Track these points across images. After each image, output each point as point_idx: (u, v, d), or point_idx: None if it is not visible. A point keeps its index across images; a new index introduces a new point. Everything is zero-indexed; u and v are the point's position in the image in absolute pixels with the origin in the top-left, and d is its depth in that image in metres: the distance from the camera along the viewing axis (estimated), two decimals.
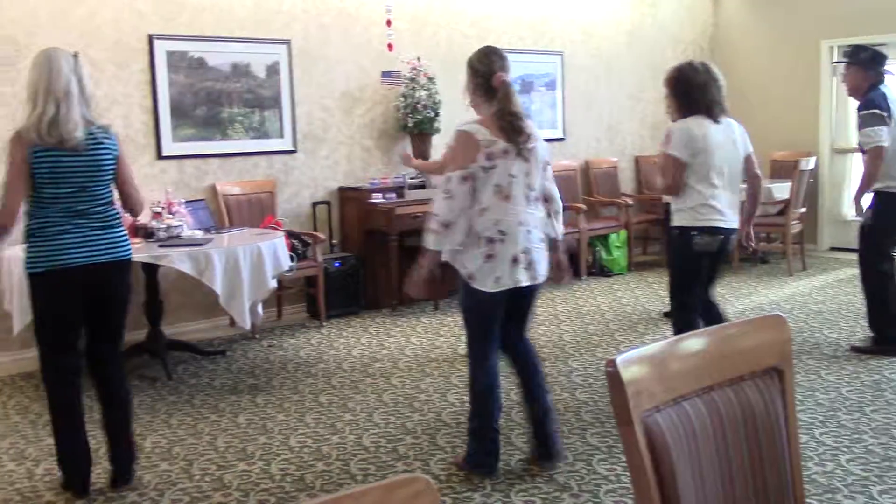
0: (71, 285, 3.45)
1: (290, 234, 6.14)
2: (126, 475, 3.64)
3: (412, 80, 7.03)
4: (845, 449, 3.86)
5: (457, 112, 7.49)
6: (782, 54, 9.16)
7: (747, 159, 4.42)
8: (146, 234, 5.23)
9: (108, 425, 3.66)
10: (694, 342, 1.56)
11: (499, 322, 3.66)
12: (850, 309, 6.51)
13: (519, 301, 3.63)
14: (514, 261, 3.51)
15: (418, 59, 7.12)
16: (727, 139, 4.30)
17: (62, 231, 3.39)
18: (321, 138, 6.89)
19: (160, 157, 6.09)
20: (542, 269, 3.65)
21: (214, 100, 6.33)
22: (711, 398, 1.54)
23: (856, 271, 7.45)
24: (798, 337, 5.74)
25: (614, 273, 8.12)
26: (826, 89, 8.96)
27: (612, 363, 1.42)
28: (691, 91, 4.29)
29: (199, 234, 5.41)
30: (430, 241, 3.51)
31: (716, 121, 4.27)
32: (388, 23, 6.84)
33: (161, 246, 4.99)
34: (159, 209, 5.37)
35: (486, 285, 3.50)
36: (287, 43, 6.63)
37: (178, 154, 6.18)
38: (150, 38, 5.98)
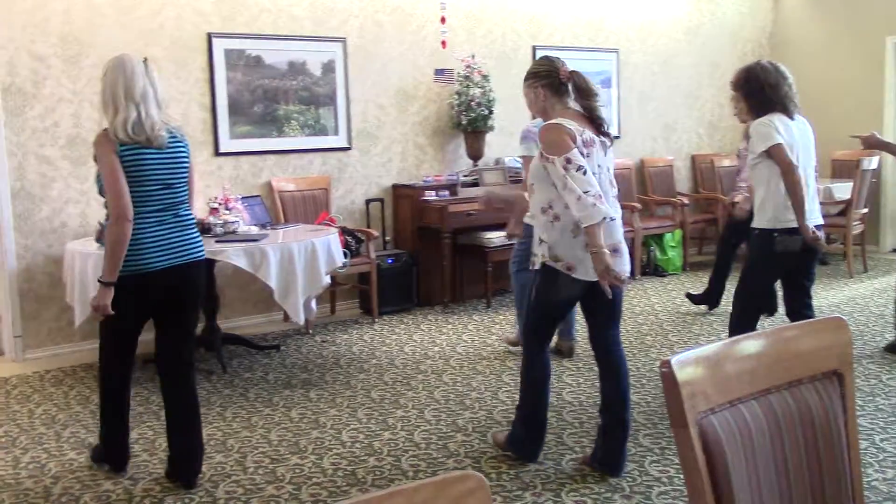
0: (150, 288, 3.50)
1: (344, 231, 6.19)
2: (188, 478, 3.65)
3: (466, 77, 7.03)
4: None
5: (510, 110, 7.50)
6: (845, 51, 8.96)
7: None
8: (203, 229, 5.31)
9: (176, 426, 3.67)
10: (750, 344, 1.53)
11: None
12: None
13: (604, 296, 3.47)
14: (615, 251, 3.46)
15: (472, 56, 7.12)
16: (803, 135, 4.24)
17: (147, 235, 3.45)
18: (375, 136, 6.93)
19: (217, 153, 6.19)
20: (628, 263, 3.62)
21: (271, 97, 6.41)
22: (768, 401, 1.51)
23: None
24: (858, 340, 5.61)
25: (669, 273, 8.03)
26: (890, 87, 8.73)
27: (666, 364, 1.40)
28: (764, 90, 4.21)
29: (254, 229, 5.48)
30: (597, 213, 3.31)
31: (791, 118, 4.20)
32: (443, 20, 6.85)
33: (217, 241, 5.07)
34: (216, 205, 5.45)
35: (588, 274, 3.45)
36: (343, 41, 6.68)
37: (234, 151, 6.27)
38: (209, 37, 6.07)
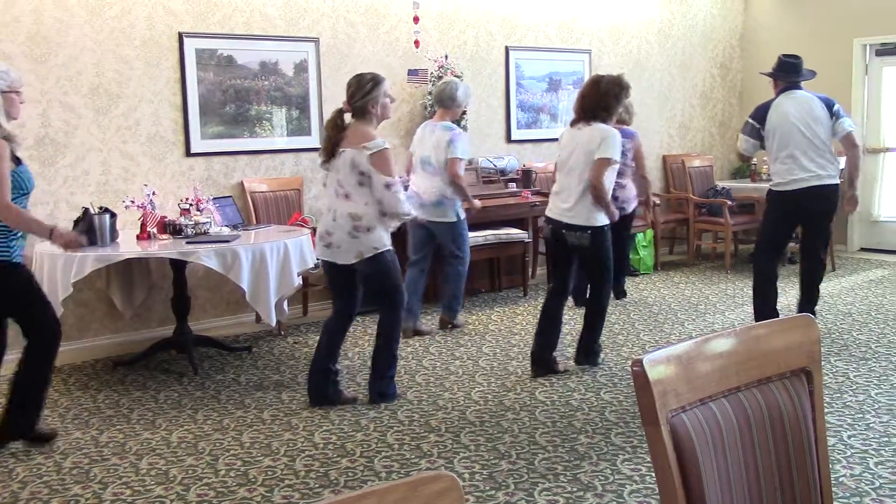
0: None
1: (317, 232, 6.16)
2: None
3: (439, 78, 7.03)
4: (874, 452, 3.82)
5: (483, 111, 7.52)
6: (814, 53, 9.01)
7: None
8: (174, 230, 5.28)
9: None
10: (721, 342, 1.55)
11: None
12: (879, 310, 6.43)
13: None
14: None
15: (445, 57, 7.13)
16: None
17: None
18: None
19: (189, 154, 6.14)
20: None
21: (243, 97, 6.37)
22: (738, 399, 1.53)
23: (886, 272, 7.36)
24: (827, 338, 5.68)
25: (641, 272, 8.08)
26: (858, 88, 8.84)
27: (638, 363, 1.41)
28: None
29: (226, 230, 5.45)
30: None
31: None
32: (416, 19, 6.84)
33: (188, 242, 5.03)
34: (187, 206, 5.41)
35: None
36: (315, 41, 6.65)
37: (206, 151, 6.22)
38: (181, 37, 6.03)
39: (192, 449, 4.05)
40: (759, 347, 1.58)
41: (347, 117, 4.53)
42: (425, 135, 5.93)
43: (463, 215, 5.99)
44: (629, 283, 7.54)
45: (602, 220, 4.92)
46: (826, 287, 7.27)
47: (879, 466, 3.66)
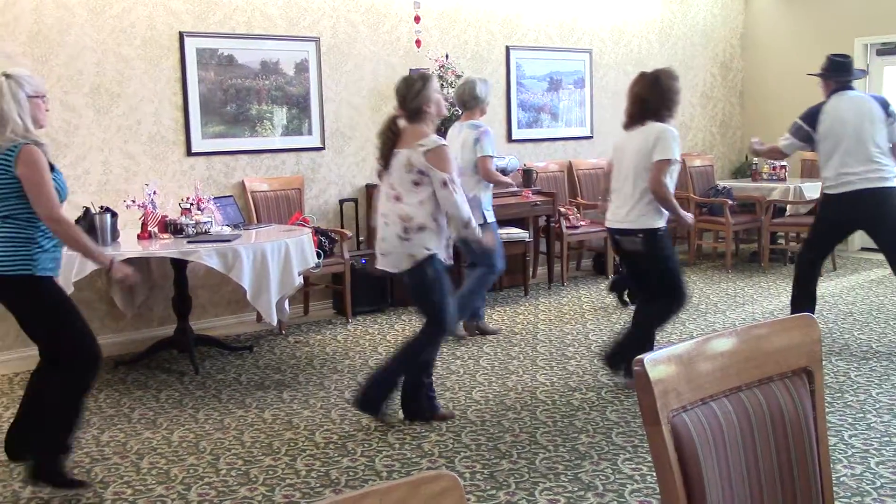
0: None
1: (318, 231, 6.16)
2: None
3: (440, 77, 7.03)
4: (875, 452, 3.81)
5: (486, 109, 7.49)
6: (815, 52, 8.96)
7: None
8: (175, 229, 5.28)
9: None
10: (722, 342, 1.55)
11: None
12: (880, 310, 6.43)
13: None
14: None
15: (446, 56, 7.12)
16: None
17: None
18: (349, 136, 6.91)
19: (190, 153, 6.15)
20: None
21: (243, 97, 6.37)
22: (739, 399, 1.53)
23: (886, 272, 7.34)
24: (827, 338, 5.68)
25: None
26: (858, 87, 8.82)
27: (639, 362, 1.41)
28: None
29: (227, 230, 5.45)
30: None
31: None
32: (417, 19, 6.85)
33: (190, 242, 5.03)
34: (188, 205, 5.41)
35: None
36: (316, 40, 6.66)
37: (207, 151, 6.23)
38: (181, 36, 6.03)
39: (193, 448, 4.05)
40: (760, 347, 1.58)
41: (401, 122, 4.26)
42: (454, 135, 5.82)
43: (492, 218, 5.79)
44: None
45: (658, 222, 4.59)
46: (827, 287, 7.27)
47: (881, 466, 3.66)
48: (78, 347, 3.59)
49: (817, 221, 5.69)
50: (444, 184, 4.03)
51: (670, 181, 4.52)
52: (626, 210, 4.62)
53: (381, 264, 4.25)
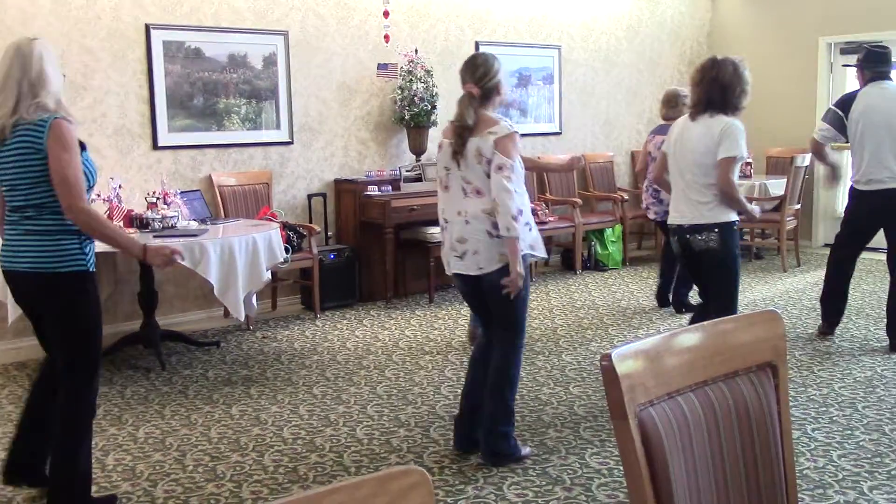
0: (12, 290, 3.27)
1: (286, 226, 6.13)
2: None
3: (409, 72, 7.02)
4: (837, 445, 3.87)
5: (453, 106, 7.49)
6: (780, 51, 9.16)
7: None
8: (141, 224, 5.23)
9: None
10: (688, 337, 1.56)
11: None
12: None
13: None
14: None
15: (415, 51, 7.11)
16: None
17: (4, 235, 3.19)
18: (317, 130, 6.88)
19: (156, 147, 6.08)
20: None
21: (211, 90, 6.32)
22: (705, 393, 1.54)
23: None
24: (791, 333, 5.75)
25: (609, 268, 8.13)
26: (823, 86, 8.96)
27: (607, 357, 1.42)
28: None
29: (194, 224, 5.41)
30: None
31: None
32: (386, 14, 6.82)
33: (156, 236, 4.98)
34: (154, 199, 5.36)
35: None
36: (284, 34, 6.61)
37: (173, 144, 6.16)
38: (147, 28, 5.96)
39: (159, 444, 4.02)
40: (726, 342, 1.60)
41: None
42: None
43: None
44: (598, 278, 7.59)
45: (732, 215, 4.21)
46: (790, 282, 7.36)
47: (842, 459, 3.72)
48: (95, 359, 3.24)
49: (847, 217, 5.52)
50: (500, 168, 3.57)
51: (736, 178, 4.18)
52: (693, 205, 4.22)
53: (458, 268, 3.76)
